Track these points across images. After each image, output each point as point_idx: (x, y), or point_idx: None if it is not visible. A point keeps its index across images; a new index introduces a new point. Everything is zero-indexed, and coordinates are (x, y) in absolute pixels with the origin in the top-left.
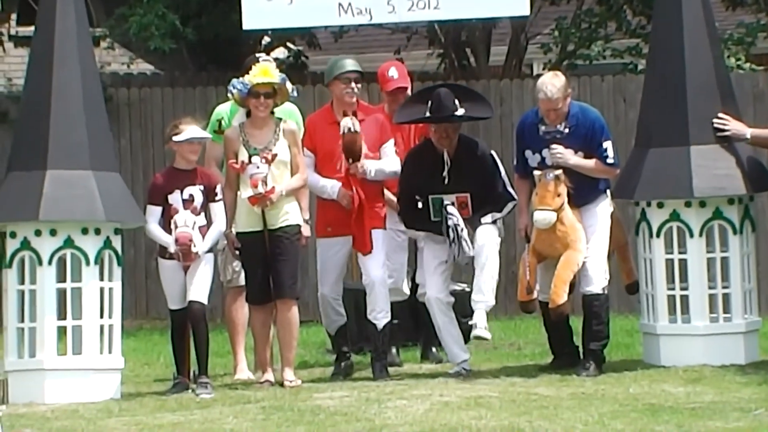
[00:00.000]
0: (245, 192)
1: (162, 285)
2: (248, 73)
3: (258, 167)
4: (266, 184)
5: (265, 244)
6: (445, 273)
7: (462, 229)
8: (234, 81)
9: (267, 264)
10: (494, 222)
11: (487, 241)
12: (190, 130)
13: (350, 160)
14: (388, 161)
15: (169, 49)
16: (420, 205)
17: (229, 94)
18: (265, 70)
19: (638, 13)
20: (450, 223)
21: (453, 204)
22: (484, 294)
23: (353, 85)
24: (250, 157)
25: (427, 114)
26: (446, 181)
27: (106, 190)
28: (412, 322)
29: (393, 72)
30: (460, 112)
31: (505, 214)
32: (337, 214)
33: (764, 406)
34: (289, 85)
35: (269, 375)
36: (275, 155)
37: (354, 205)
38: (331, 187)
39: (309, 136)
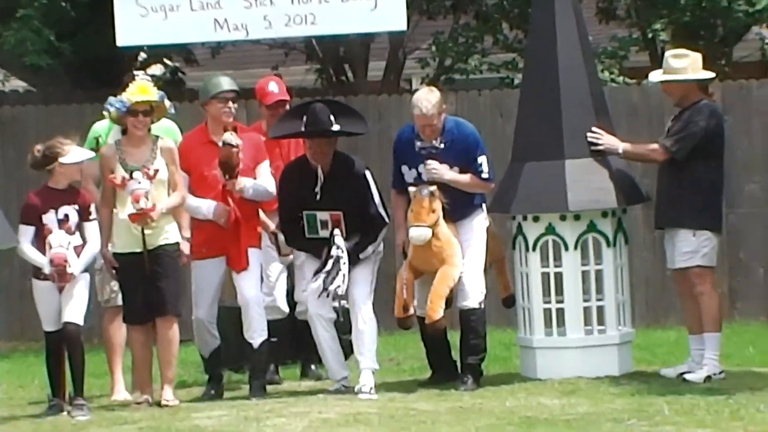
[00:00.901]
0: (123, 211)
1: (36, 306)
2: (125, 91)
3: (140, 182)
4: (147, 200)
5: (144, 264)
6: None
7: (345, 264)
8: (111, 99)
9: (146, 284)
10: (374, 251)
11: (361, 298)
12: (76, 151)
13: (227, 176)
14: (263, 181)
15: (45, 66)
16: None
17: (105, 113)
18: (142, 88)
19: (515, 27)
20: (334, 253)
21: (327, 223)
22: (367, 359)
23: (230, 104)
24: (131, 173)
25: (302, 129)
26: (318, 197)
27: None
28: (292, 339)
29: (273, 87)
30: (335, 127)
31: (380, 242)
32: (212, 233)
33: (637, 416)
34: (167, 102)
35: (147, 395)
36: (157, 170)
37: (230, 222)
38: (207, 207)
39: (183, 156)
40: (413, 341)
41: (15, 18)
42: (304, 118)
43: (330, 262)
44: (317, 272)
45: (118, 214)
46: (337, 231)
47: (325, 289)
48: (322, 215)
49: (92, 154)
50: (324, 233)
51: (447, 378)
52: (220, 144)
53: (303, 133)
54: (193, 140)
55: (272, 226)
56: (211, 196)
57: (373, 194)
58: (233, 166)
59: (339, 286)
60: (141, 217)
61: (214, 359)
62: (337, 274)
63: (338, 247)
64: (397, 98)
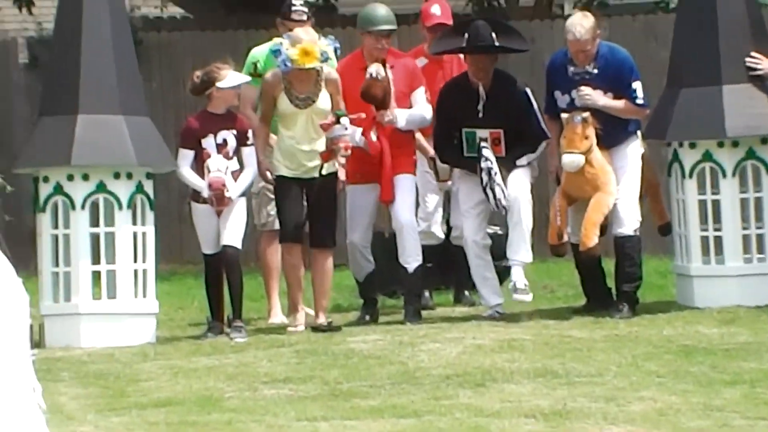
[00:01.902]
0: (297, 140)
1: (195, 229)
2: (291, 39)
3: (346, 128)
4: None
5: (302, 187)
6: (482, 214)
7: (496, 174)
8: (278, 47)
9: (301, 204)
10: (529, 163)
11: (519, 193)
12: (233, 76)
13: (376, 108)
14: (418, 108)
15: None
16: (455, 142)
17: (276, 64)
18: (307, 55)
19: None
20: (484, 166)
21: (487, 140)
22: (518, 253)
23: (383, 41)
24: (337, 117)
25: (464, 45)
26: (480, 114)
27: (137, 134)
28: (446, 265)
29: (436, 9)
30: (497, 43)
31: (539, 154)
32: (365, 160)
33: None
34: (329, 49)
35: (301, 316)
36: (359, 118)
37: (377, 153)
38: (359, 135)
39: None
40: (567, 269)
41: None
42: (466, 35)
43: (483, 177)
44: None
45: (285, 139)
46: (484, 144)
47: (492, 202)
48: (482, 133)
49: (248, 78)
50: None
51: (602, 306)
52: (366, 76)
53: (464, 48)
54: (348, 65)
55: (431, 151)
56: (364, 123)
57: (535, 111)
58: (378, 97)
59: (499, 198)
60: (331, 157)
61: (368, 284)
62: (493, 186)
63: (486, 159)
64: (549, 23)
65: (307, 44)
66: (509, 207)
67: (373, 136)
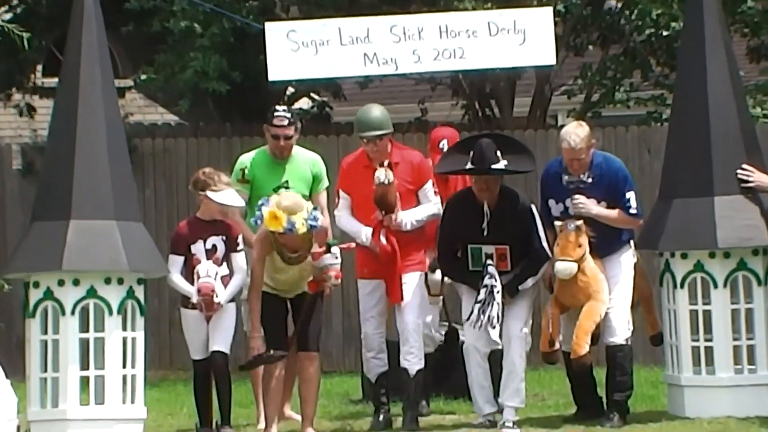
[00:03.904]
0: (283, 272)
1: (185, 335)
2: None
3: (337, 258)
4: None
5: (287, 302)
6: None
7: (498, 292)
8: (263, 202)
9: (285, 317)
10: (532, 286)
11: (516, 335)
12: (227, 195)
13: (384, 213)
14: (426, 206)
15: (225, 91)
16: (458, 254)
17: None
18: (277, 216)
19: (662, 64)
20: (488, 283)
21: (492, 257)
22: (512, 399)
23: (377, 144)
24: (328, 246)
25: (469, 165)
26: (485, 232)
27: (129, 240)
28: (442, 371)
29: (444, 145)
30: (502, 164)
31: (541, 276)
32: (372, 257)
33: None
34: (301, 226)
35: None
36: (348, 248)
37: (387, 254)
38: (365, 234)
39: (344, 178)
40: (558, 377)
41: (194, 47)
42: (471, 154)
43: (483, 291)
44: (474, 303)
45: (273, 274)
46: (490, 261)
47: (479, 318)
48: (488, 249)
49: (242, 203)
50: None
51: (592, 415)
52: (374, 183)
53: (469, 170)
54: (353, 163)
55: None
56: (372, 218)
57: (538, 228)
58: (389, 203)
59: (493, 316)
60: (321, 286)
61: (380, 386)
62: (492, 303)
63: (491, 276)
64: (543, 133)
65: (277, 209)
66: (506, 345)
67: (383, 239)
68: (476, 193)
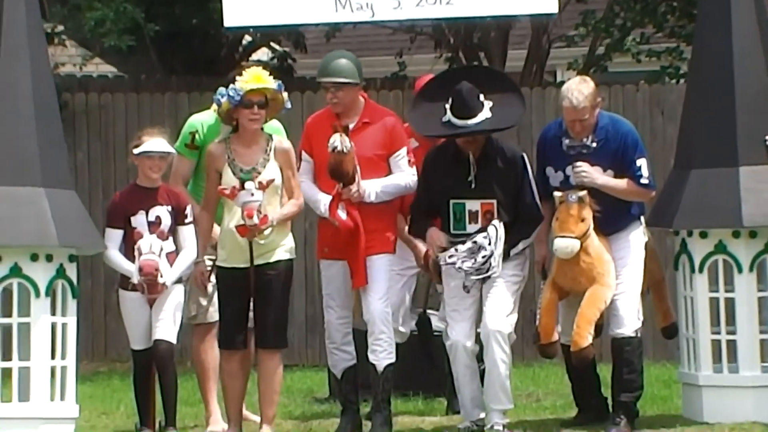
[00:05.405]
0: (230, 220)
1: (123, 321)
2: (235, 82)
3: (252, 194)
4: (260, 213)
5: (250, 282)
6: (473, 317)
7: (483, 258)
8: (221, 89)
9: (246, 303)
10: (523, 249)
11: (499, 325)
12: (150, 143)
13: (342, 184)
14: (397, 176)
15: (135, 49)
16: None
17: (215, 104)
18: (257, 76)
19: (678, 14)
20: (479, 241)
21: (477, 215)
22: (497, 401)
23: (338, 94)
24: (242, 182)
25: (448, 116)
26: (473, 185)
27: (59, 211)
28: (415, 365)
29: None
30: (485, 114)
31: (531, 241)
32: (335, 234)
33: None
34: (284, 94)
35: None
36: (271, 181)
37: (348, 229)
38: (324, 204)
39: (307, 138)
40: (556, 374)
41: None
42: (450, 102)
43: (468, 243)
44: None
45: (224, 222)
46: (496, 221)
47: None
48: (472, 204)
49: (170, 149)
50: (472, 228)
51: (596, 418)
52: (329, 149)
53: (448, 135)
54: (319, 122)
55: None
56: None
57: (531, 181)
58: (345, 172)
59: (494, 267)
60: (250, 231)
61: (347, 382)
62: (486, 249)
63: (486, 237)
64: (540, 92)
65: (255, 70)
66: (485, 342)
67: (342, 214)
68: (461, 145)
